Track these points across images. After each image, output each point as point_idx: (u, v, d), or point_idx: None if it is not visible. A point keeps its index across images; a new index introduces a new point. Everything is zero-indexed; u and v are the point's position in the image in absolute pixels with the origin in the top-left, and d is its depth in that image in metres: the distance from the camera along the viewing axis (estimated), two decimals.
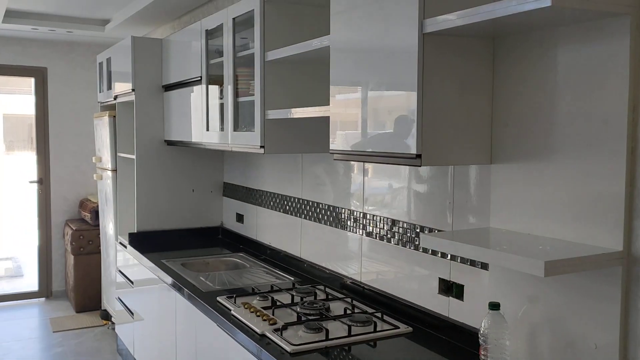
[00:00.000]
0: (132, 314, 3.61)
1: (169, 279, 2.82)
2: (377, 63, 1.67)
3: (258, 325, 2.03)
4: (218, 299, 2.38)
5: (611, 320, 1.32)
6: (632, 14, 1.27)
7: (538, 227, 1.51)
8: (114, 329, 4.39)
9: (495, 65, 1.62)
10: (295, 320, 2.07)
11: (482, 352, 1.56)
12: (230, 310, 2.23)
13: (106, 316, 4.69)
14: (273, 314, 2.13)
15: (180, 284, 2.68)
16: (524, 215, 1.55)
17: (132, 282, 3.61)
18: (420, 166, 1.53)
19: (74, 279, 5.11)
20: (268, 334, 1.96)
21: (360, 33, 1.74)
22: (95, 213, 5.01)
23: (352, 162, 2.45)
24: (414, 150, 1.52)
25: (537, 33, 1.50)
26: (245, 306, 2.23)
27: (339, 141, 1.86)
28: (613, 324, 1.32)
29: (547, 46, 1.47)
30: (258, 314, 2.14)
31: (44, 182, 5.51)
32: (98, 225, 4.91)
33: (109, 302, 4.51)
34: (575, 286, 1.41)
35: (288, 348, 1.84)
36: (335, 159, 1.90)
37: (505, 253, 1.36)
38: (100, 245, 4.89)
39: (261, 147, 2.38)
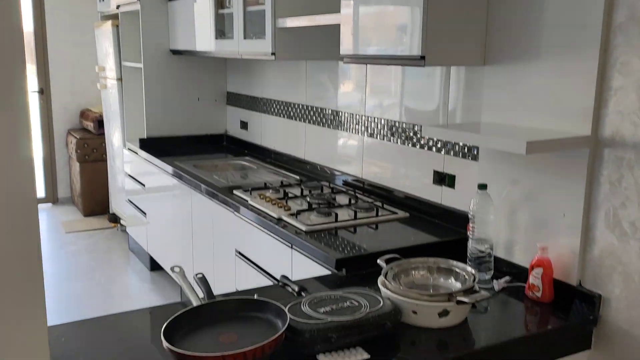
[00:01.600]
0: (145, 214, 3.90)
1: (185, 177, 3.08)
2: None
3: (274, 212, 2.32)
4: (235, 192, 2.66)
5: (578, 193, 1.62)
6: None
7: (522, 120, 1.77)
8: (123, 230, 4.71)
9: None
10: (307, 207, 2.37)
11: (470, 227, 1.86)
12: (248, 200, 2.51)
13: (115, 219, 4.99)
14: (286, 203, 2.42)
15: (197, 181, 2.94)
16: (510, 110, 1.81)
17: (143, 185, 3.88)
18: (424, 66, 1.76)
19: (80, 185, 5.37)
20: (284, 218, 2.25)
21: None
22: (99, 122, 5.20)
23: (354, 69, 2.66)
24: (418, 52, 1.74)
25: None
26: (261, 197, 2.52)
27: (348, 45, 2.07)
28: (579, 196, 1.61)
29: None
30: (273, 202, 2.43)
31: (44, 92, 5.64)
32: (102, 134, 5.12)
33: (117, 206, 4.80)
34: (550, 168, 1.69)
35: (303, 227, 2.13)
36: (345, 62, 2.12)
37: (494, 137, 1.63)
38: (104, 154, 5.11)
39: (272, 54, 2.58)
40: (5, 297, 0.89)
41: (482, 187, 1.82)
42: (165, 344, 1.23)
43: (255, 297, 1.47)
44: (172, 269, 1.55)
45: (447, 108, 2.17)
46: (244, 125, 3.84)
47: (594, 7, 1.54)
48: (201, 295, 1.47)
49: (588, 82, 1.57)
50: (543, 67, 1.69)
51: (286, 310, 1.35)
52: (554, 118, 1.67)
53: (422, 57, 1.74)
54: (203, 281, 1.52)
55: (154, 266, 4.01)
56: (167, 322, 1.29)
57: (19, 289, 0.90)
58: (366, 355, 1.33)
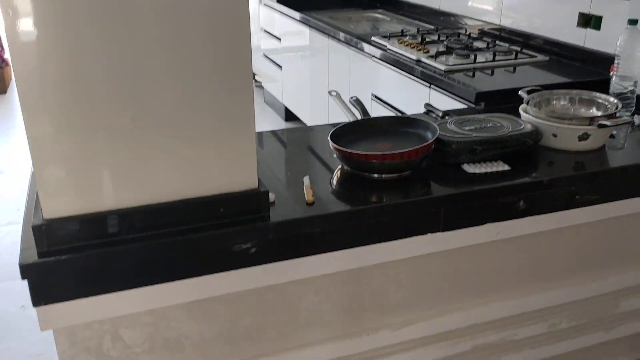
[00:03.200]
0: (280, 67, 4.14)
1: (322, 26, 3.23)
2: None
3: (413, 54, 2.43)
4: (373, 38, 2.78)
5: None
6: None
7: None
8: (258, 86, 5.04)
9: None
10: (444, 50, 2.45)
11: (615, 64, 1.87)
12: (386, 45, 2.63)
13: None
14: (424, 47, 2.51)
15: (335, 29, 3.09)
16: None
17: (279, 40, 4.09)
18: None
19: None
20: (423, 59, 2.36)
21: None
22: None
23: None
24: None
25: None
26: (399, 41, 2.62)
27: None
28: None
29: None
30: (412, 46, 2.53)
31: None
32: None
33: (252, 63, 5.08)
34: None
35: (442, 67, 2.24)
36: None
37: None
38: None
39: None
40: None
41: (633, 22, 1.80)
42: (332, 144, 1.46)
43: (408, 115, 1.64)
44: (329, 92, 1.75)
45: None
46: None
47: None
48: (358, 116, 1.67)
49: None
50: None
51: (436, 125, 1.52)
52: None
53: None
54: (359, 102, 1.71)
55: (289, 116, 4.33)
56: (333, 129, 1.51)
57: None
58: (507, 167, 1.48)
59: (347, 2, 4.01)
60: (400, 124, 1.59)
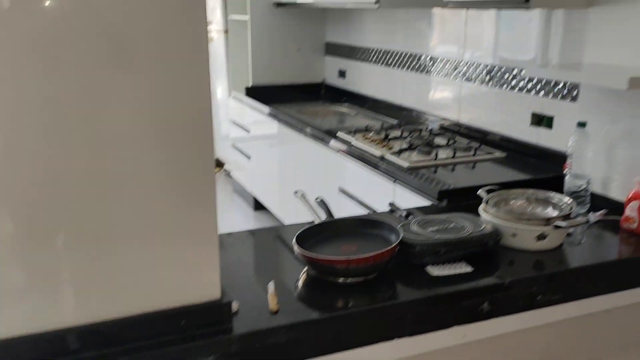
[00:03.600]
0: (249, 158, 4.21)
1: (290, 121, 3.33)
2: None
3: (377, 150, 2.51)
4: (338, 134, 2.87)
5: None
6: None
7: (626, 59, 1.83)
8: (227, 174, 5.09)
9: None
10: (407, 147, 2.54)
11: (568, 163, 1.96)
12: (351, 141, 2.72)
13: (219, 164, 5.39)
14: (388, 143, 2.60)
15: (301, 124, 3.18)
16: (614, 51, 1.87)
17: (248, 131, 4.18)
18: (528, 9, 1.85)
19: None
20: (386, 156, 2.44)
21: None
22: None
23: (450, 15, 2.75)
24: None
25: None
26: (364, 137, 2.71)
27: None
28: None
29: None
30: (376, 142, 2.62)
31: None
32: None
33: (221, 153, 5.17)
34: None
35: (405, 164, 2.31)
36: (449, 7, 2.23)
37: (596, 73, 1.71)
38: None
39: (376, 2, 2.72)
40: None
41: (582, 125, 1.91)
42: (297, 248, 1.47)
43: (370, 215, 1.68)
44: (295, 192, 1.79)
45: (547, 52, 2.24)
46: (341, 74, 4.02)
47: None
48: (322, 216, 1.70)
49: None
50: None
51: (398, 227, 1.55)
52: None
53: (527, 0, 1.84)
54: (323, 204, 1.75)
55: (258, 206, 4.35)
56: (299, 232, 1.53)
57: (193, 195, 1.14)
58: (470, 268, 1.51)
59: (314, 95, 4.16)
60: (364, 226, 1.62)
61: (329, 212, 1.71)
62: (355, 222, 1.65)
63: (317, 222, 1.65)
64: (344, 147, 2.70)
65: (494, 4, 1.99)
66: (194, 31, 1.04)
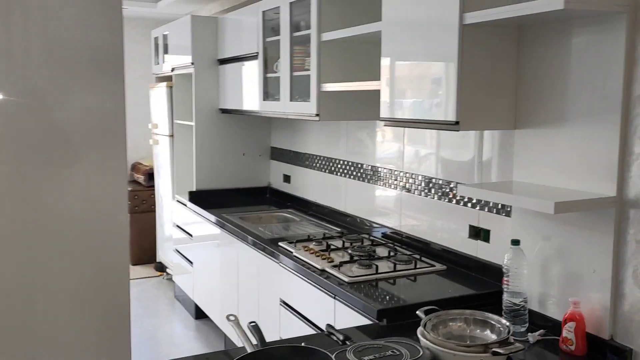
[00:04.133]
0: (192, 263, 4.09)
1: (232, 229, 3.27)
2: (422, 45, 2.05)
3: (318, 263, 2.47)
4: (280, 244, 2.82)
5: (606, 250, 1.72)
6: (628, 12, 1.63)
7: (552, 180, 1.89)
8: (169, 279, 4.91)
9: (520, 48, 1.98)
10: (348, 259, 2.50)
11: (505, 280, 1.96)
12: (292, 252, 2.67)
13: (161, 268, 5.21)
14: (329, 255, 2.57)
15: (244, 233, 3.12)
16: (540, 171, 1.94)
17: (191, 236, 4.09)
18: (458, 131, 1.91)
19: (129, 235, 5.62)
20: (327, 269, 2.40)
21: (410, 18, 2.11)
22: (149, 175, 5.50)
23: (392, 128, 2.84)
24: (453, 118, 1.90)
25: (554, 24, 1.85)
26: (305, 249, 2.67)
27: (388, 110, 2.25)
28: (607, 253, 1.71)
29: (562, 35, 1.83)
30: (317, 254, 2.58)
31: None
32: (151, 187, 5.40)
33: (164, 255, 5.02)
34: (580, 225, 1.80)
35: (346, 279, 2.27)
36: (385, 125, 2.29)
37: (525, 197, 1.75)
38: (153, 205, 5.38)
39: (316, 115, 2.78)
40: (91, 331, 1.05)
41: (515, 242, 1.93)
42: None
43: (304, 345, 1.60)
44: (227, 317, 1.70)
45: (482, 166, 2.31)
46: (286, 178, 4.04)
47: (614, 80, 1.68)
48: (254, 342, 1.61)
49: (611, 147, 1.69)
50: (569, 132, 1.82)
51: (333, 357, 1.48)
52: (581, 179, 1.79)
53: (457, 123, 1.90)
54: (256, 329, 1.66)
55: (199, 314, 4.17)
56: None
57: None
58: None
59: (259, 199, 4.14)
60: (297, 354, 1.54)
61: (262, 339, 1.63)
62: (287, 350, 1.57)
63: (249, 350, 1.57)
64: (285, 258, 2.65)
65: (426, 125, 2.06)
66: None
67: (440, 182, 2.55)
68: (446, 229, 2.54)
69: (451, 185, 2.49)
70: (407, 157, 2.77)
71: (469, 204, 2.39)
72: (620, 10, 1.62)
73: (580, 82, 1.78)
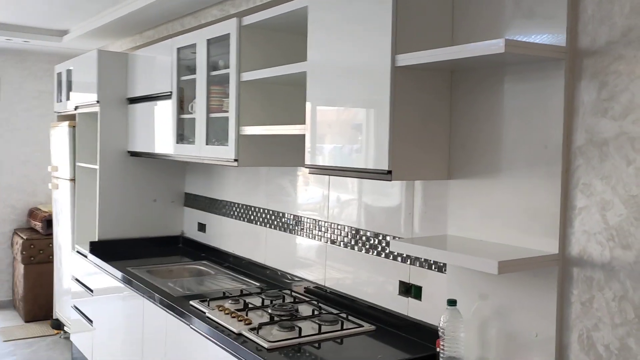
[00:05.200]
0: (91, 321, 3.66)
1: (138, 285, 2.93)
2: (351, 89, 1.90)
3: (234, 325, 2.20)
4: (191, 302, 2.52)
5: (549, 312, 1.59)
6: (567, 59, 1.55)
7: (489, 234, 1.76)
8: (67, 337, 4.39)
9: (453, 93, 1.87)
10: (268, 320, 2.25)
11: (440, 344, 1.79)
12: (205, 312, 2.39)
13: (58, 325, 4.67)
14: (247, 315, 2.31)
15: (150, 290, 2.79)
16: (476, 224, 1.81)
17: (91, 291, 3.67)
18: (390, 181, 1.76)
19: (23, 289, 5.05)
20: (244, 333, 2.13)
21: (337, 59, 1.96)
22: (47, 222, 4.99)
23: (317, 175, 2.66)
24: (385, 167, 1.75)
25: (489, 69, 1.76)
26: (220, 308, 2.39)
27: (314, 157, 2.07)
28: (550, 315, 1.58)
29: (497, 80, 1.74)
30: (233, 315, 2.31)
31: None
32: (49, 235, 4.90)
33: (62, 311, 4.51)
34: (520, 284, 1.67)
35: (265, 345, 2.02)
36: (310, 173, 2.11)
37: (465, 255, 1.60)
38: (51, 255, 4.87)
39: (235, 160, 2.56)
40: None
41: (452, 303, 1.77)
42: None
43: None
44: None
45: (412, 218, 2.16)
46: (201, 227, 3.75)
47: (553, 128, 1.59)
48: None
49: (553, 200, 1.59)
50: (508, 183, 1.71)
51: None
52: (521, 234, 1.67)
53: (389, 172, 1.74)
54: None
55: None
56: None
57: None
58: None
59: (171, 249, 3.81)
60: None
61: None
62: None
63: None
64: (196, 320, 2.36)
65: (355, 174, 1.89)
66: None
67: (368, 233, 2.38)
68: (375, 284, 2.36)
69: (379, 238, 2.32)
70: (332, 206, 2.59)
71: (399, 258, 2.23)
72: (559, 56, 1.54)
73: (517, 131, 1.69)
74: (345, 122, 1.94)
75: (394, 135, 1.74)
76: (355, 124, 1.90)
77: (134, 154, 3.68)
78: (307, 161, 2.09)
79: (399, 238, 2.21)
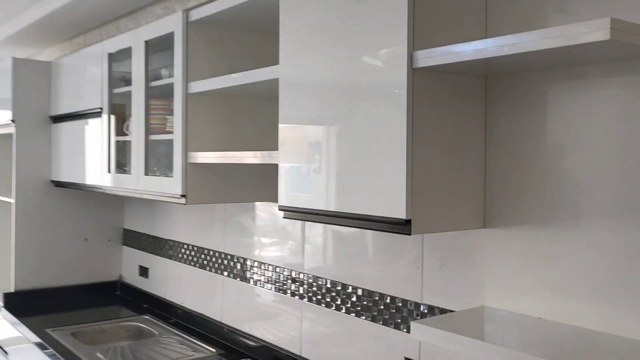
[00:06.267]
0: None
1: (61, 350, 2.28)
2: (347, 101, 1.34)
3: None
4: None
5: None
6: None
7: (550, 309, 1.23)
8: None
9: (489, 107, 1.35)
10: None
11: None
12: None
13: None
14: None
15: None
16: (529, 292, 1.27)
17: (6, 353, 2.97)
18: (409, 234, 1.20)
19: None
20: None
21: (322, 63, 1.41)
22: None
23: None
24: (402, 215, 1.19)
25: (550, 72, 1.25)
26: None
27: (290, 195, 1.50)
28: None
29: (577, 87, 1.23)
30: None
31: None
32: None
33: None
34: None
35: None
36: (285, 217, 1.53)
37: (530, 355, 1.05)
38: None
39: (182, 196, 1.96)
40: None
41: None
42: None
43: None
44: None
45: (421, 273, 1.61)
46: (143, 271, 3.11)
47: None
48: None
49: None
50: (580, 234, 1.19)
51: None
52: (606, 310, 1.14)
53: (407, 222, 1.19)
54: None
55: None
56: None
57: None
58: None
59: (107, 299, 3.17)
60: None
61: None
62: None
63: None
64: None
65: (357, 222, 1.33)
66: None
67: (360, 292, 1.82)
68: (369, 358, 1.79)
69: (376, 298, 1.76)
70: (313, 254, 2.02)
71: (403, 326, 1.67)
72: None
73: (608, 156, 1.17)
74: (337, 149, 1.38)
75: (414, 167, 1.19)
76: (353, 152, 1.34)
77: (59, 184, 3.03)
78: (282, 202, 1.51)
79: (402, 299, 1.65)
